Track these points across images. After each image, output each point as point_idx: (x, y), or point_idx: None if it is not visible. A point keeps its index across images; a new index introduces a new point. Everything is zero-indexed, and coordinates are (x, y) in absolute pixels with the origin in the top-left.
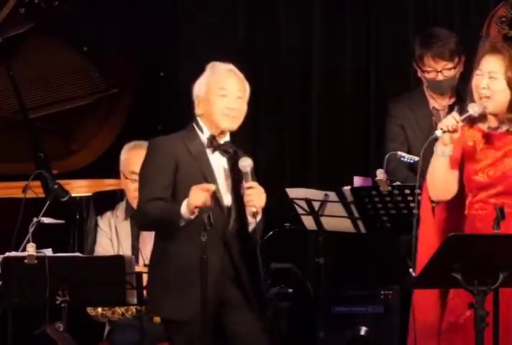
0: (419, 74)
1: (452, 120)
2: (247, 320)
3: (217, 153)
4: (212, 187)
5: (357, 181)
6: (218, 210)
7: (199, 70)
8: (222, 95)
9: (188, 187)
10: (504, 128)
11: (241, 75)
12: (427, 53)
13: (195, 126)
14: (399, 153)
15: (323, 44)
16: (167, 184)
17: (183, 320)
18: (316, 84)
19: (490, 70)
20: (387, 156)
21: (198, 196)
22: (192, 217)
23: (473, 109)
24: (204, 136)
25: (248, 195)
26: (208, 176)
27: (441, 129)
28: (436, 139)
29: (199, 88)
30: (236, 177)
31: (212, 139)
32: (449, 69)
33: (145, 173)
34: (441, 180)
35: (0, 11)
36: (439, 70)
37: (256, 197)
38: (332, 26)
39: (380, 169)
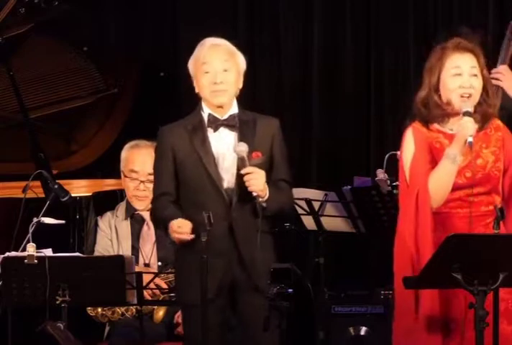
0: None
1: (472, 124)
2: (251, 302)
3: (223, 129)
4: (186, 233)
5: (357, 181)
6: (216, 196)
7: None
8: (205, 72)
9: (188, 174)
10: None
11: (229, 47)
12: None
13: (200, 106)
14: (399, 153)
15: (323, 44)
16: (169, 175)
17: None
18: (316, 84)
19: (470, 67)
20: (387, 156)
21: (176, 236)
22: None
23: (471, 108)
24: (205, 115)
25: (246, 180)
26: (204, 159)
27: (471, 135)
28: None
29: (190, 65)
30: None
31: (210, 116)
32: None
33: (154, 166)
34: (449, 187)
35: (0, 11)
36: None
37: (254, 182)
38: (332, 26)
39: (380, 170)
